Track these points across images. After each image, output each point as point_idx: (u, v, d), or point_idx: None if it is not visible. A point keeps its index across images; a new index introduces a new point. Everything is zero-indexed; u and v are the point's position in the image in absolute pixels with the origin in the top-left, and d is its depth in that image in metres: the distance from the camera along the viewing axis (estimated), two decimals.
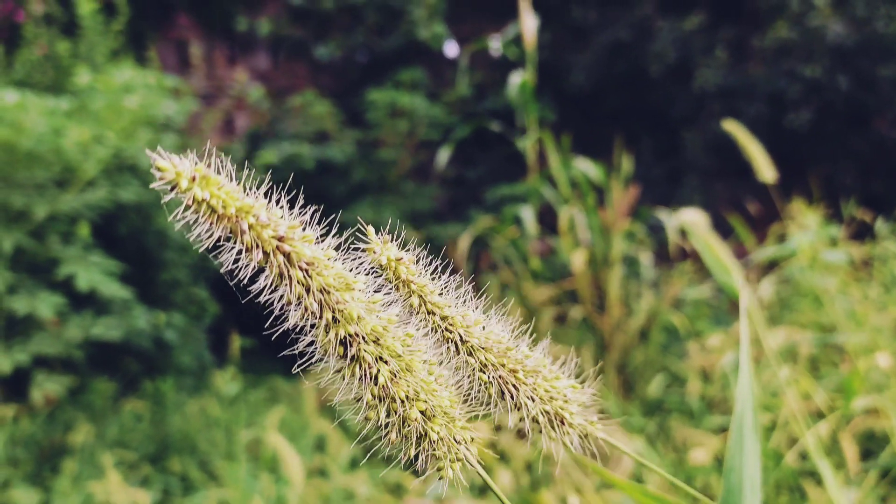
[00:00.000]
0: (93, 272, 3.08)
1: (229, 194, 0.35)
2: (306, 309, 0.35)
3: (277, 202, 0.39)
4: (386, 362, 0.35)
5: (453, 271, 0.41)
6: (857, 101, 5.89)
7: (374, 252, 0.38)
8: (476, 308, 0.40)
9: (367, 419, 0.36)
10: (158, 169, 0.33)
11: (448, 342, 0.38)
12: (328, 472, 2.27)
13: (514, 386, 0.36)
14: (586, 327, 3.22)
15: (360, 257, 0.39)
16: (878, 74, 5.71)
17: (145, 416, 3.16)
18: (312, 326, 0.35)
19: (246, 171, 0.38)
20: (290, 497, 2.08)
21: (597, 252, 2.76)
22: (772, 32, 5.80)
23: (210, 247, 0.35)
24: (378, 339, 0.35)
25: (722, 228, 7.79)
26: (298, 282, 0.35)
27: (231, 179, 0.37)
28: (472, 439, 0.38)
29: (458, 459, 0.38)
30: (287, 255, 0.35)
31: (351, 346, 0.35)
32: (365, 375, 0.35)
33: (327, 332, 0.35)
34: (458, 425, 0.38)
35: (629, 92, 6.90)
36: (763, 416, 2.03)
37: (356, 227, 0.43)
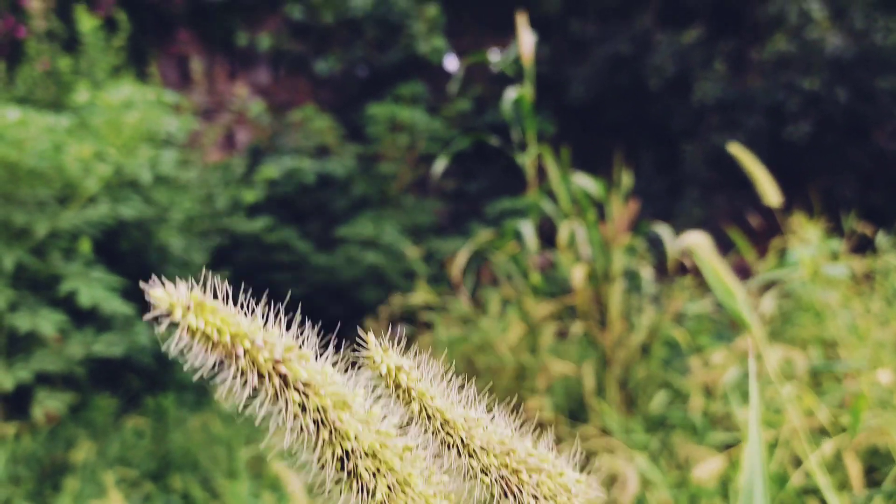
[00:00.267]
0: (95, 288, 3.09)
1: (225, 320, 0.35)
2: (302, 428, 0.35)
3: (276, 316, 0.39)
4: (384, 476, 0.35)
5: (454, 375, 0.41)
6: (856, 114, 5.91)
7: (374, 362, 0.38)
8: (478, 405, 0.40)
9: None
10: (153, 298, 0.34)
11: (449, 447, 0.38)
12: None
13: (517, 486, 0.36)
14: (588, 342, 3.22)
15: (359, 359, 0.39)
16: (877, 87, 5.74)
17: (147, 433, 3.15)
18: (308, 442, 0.36)
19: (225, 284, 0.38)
20: None
21: (597, 267, 2.76)
22: (770, 45, 5.84)
23: (207, 370, 0.35)
24: (375, 454, 0.35)
25: (722, 242, 7.79)
26: (294, 402, 0.35)
27: (227, 299, 0.37)
28: None
29: None
30: (283, 378, 0.35)
31: (348, 461, 0.35)
32: (362, 490, 0.35)
33: (324, 449, 0.35)
34: None
35: (629, 105, 6.93)
36: (766, 433, 2.03)
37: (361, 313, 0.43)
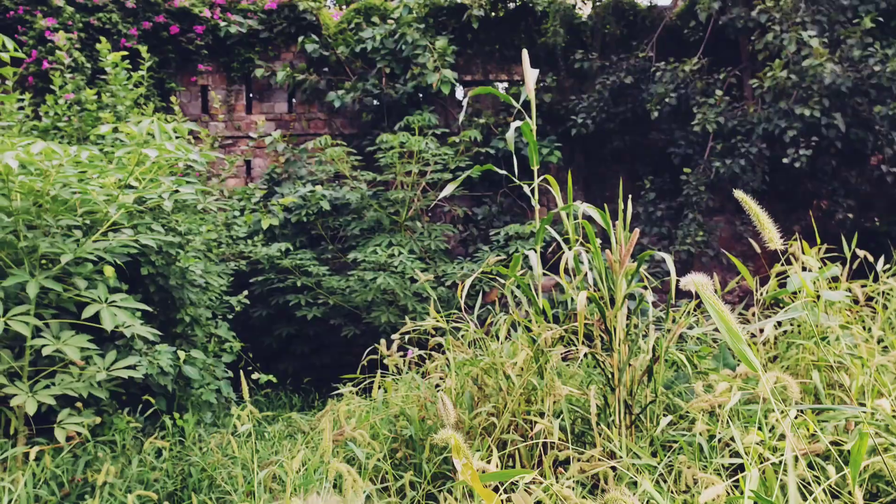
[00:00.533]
0: (117, 313, 3.20)
1: None
2: None
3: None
4: None
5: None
6: (854, 140, 6.03)
7: None
8: None
9: None
10: None
11: None
12: None
13: None
14: (593, 365, 3.30)
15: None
16: (875, 113, 5.85)
17: (166, 452, 3.24)
18: None
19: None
20: None
21: (602, 291, 2.85)
22: (769, 74, 5.98)
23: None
24: None
25: (723, 265, 7.82)
26: None
27: None
28: None
29: None
30: None
31: None
32: None
33: None
34: None
35: (631, 132, 7.08)
36: (770, 458, 2.10)
37: None
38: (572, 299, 3.10)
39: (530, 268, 3.28)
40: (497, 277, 3.62)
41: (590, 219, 2.96)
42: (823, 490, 1.92)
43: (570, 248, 3.05)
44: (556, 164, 7.04)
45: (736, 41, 6.82)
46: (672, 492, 2.24)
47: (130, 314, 3.27)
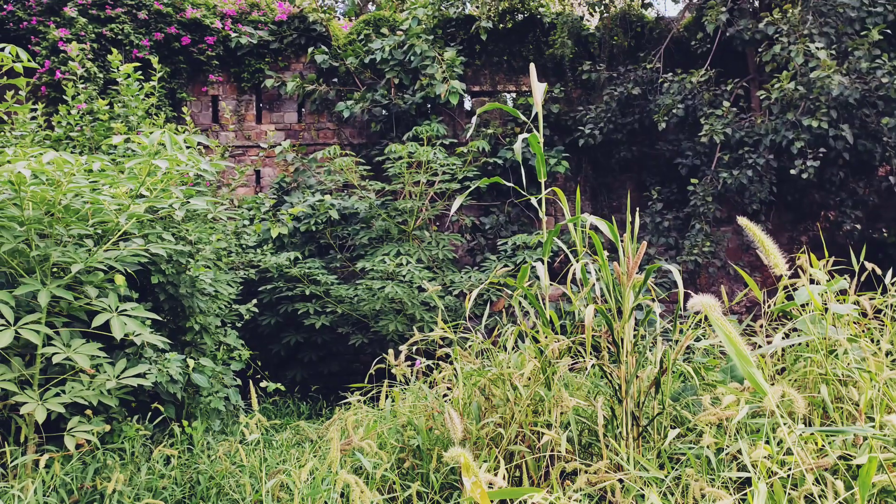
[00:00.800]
0: (127, 321, 3.23)
1: None
2: None
3: None
4: None
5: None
6: (862, 151, 6.02)
7: None
8: None
9: None
10: None
11: None
12: None
13: None
14: (600, 376, 3.31)
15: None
16: (883, 124, 5.85)
17: (174, 460, 3.25)
18: None
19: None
20: None
21: (609, 303, 2.86)
22: (777, 85, 5.99)
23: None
24: None
25: (730, 275, 7.78)
26: None
27: None
28: None
29: None
30: None
31: None
32: None
33: None
34: None
35: (639, 143, 7.10)
36: (778, 472, 2.09)
37: None
38: (580, 310, 3.10)
39: (538, 278, 3.29)
40: (504, 287, 3.63)
41: (597, 229, 2.96)
42: None
43: (577, 260, 3.06)
44: (564, 174, 7.05)
45: (743, 53, 6.84)
46: None
47: (140, 323, 3.29)
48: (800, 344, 3.07)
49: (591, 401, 2.94)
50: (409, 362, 3.66)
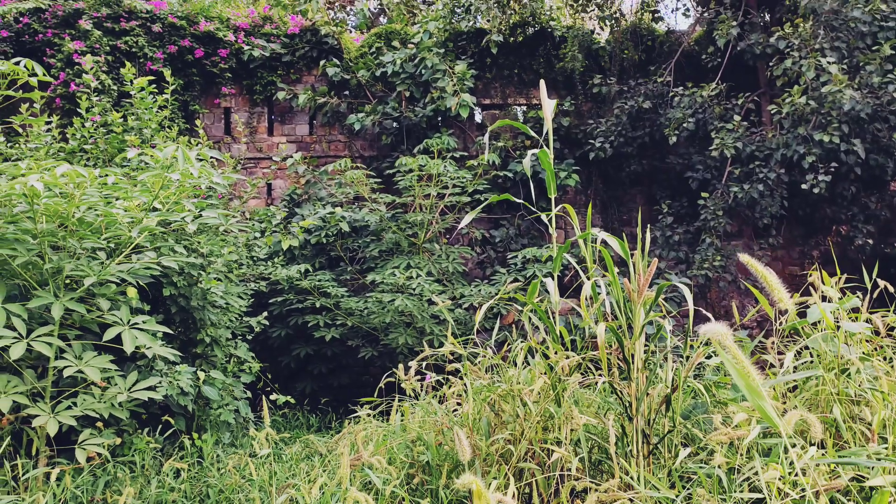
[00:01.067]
0: (138, 335, 3.25)
1: None
2: None
3: None
4: None
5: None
6: (873, 165, 5.99)
7: None
8: None
9: None
10: None
11: None
12: None
13: None
14: (610, 392, 3.29)
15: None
16: (894, 139, 5.82)
17: (184, 473, 3.26)
18: None
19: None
20: None
21: (620, 320, 2.85)
22: (788, 100, 5.98)
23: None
24: None
25: (741, 290, 7.74)
26: None
27: None
28: None
29: None
30: None
31: None
32: None
33: None
34: None
35: (649, 156, 7.09)
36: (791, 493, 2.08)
37: None
38: (590, 326, 3.10)
39: (548, 293, 3.29)
40: (514, 301, 3.63)
41: (607, 244, 2.96)
42: None
43: (588, 277, 3.06)
44: (574, 188, 7.06)
45: (754, 67, 6.83)
46: None
47: (151, 336, 3.31)
48: (812, 362, 3.05)
49: (601, 418, 2.93)
50: (418, 376, 3.65)
